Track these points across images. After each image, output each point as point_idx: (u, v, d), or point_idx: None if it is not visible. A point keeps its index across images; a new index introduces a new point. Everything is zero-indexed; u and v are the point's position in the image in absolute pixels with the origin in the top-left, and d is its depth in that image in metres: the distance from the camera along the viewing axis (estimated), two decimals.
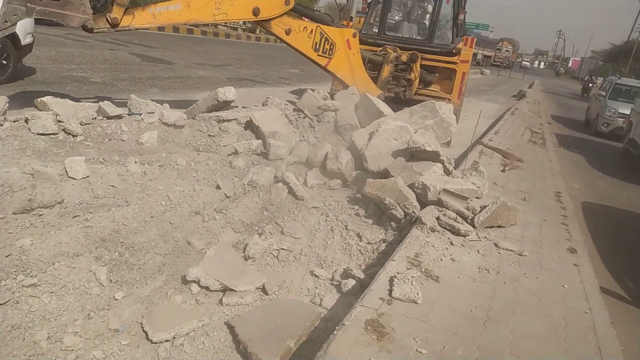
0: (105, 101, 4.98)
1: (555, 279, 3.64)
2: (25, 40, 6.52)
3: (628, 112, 12.31)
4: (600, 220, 6.23)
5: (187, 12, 5.22)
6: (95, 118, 4.80)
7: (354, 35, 7.02)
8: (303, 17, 6.82)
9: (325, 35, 6.61)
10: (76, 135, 4.47)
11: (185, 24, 5.33)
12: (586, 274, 3.85)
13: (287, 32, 6.23)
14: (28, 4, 4.11)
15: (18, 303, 2.79)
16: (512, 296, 3.25)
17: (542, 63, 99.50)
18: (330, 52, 6.75)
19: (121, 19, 4.81)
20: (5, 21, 4.06)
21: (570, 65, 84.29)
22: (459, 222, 4.08)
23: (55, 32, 12.10)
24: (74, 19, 4.48)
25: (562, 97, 29.44)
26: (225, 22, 6.01)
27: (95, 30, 4.75)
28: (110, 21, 4.75)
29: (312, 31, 6.50)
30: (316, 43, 6.56)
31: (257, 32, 27.23)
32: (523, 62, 72.53)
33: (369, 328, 2.60)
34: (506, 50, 55.78)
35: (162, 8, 5.08)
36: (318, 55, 6.66)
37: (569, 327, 2.99)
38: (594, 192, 7.78)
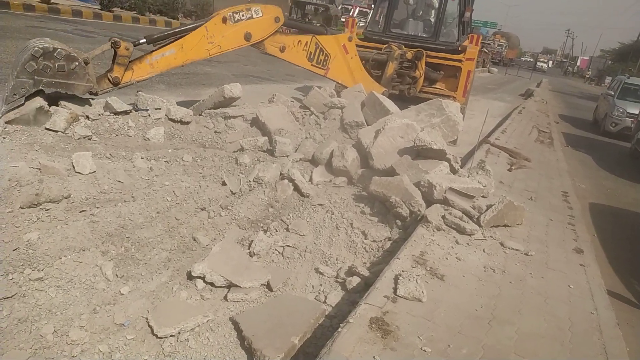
0: (113, 97, 5.00)
1: (561, 279, 3.62)
2: None
3: (636, 112, 12.23)
4: (607, 221, 6.19)
5: (182, 54, 5.31)
6: (102, 114, 4.82)
7: (350, 40, 7.01)
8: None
9: (320, 46, 6.58)
10: (87, 136, 4.51)
11: (182, 66, 5.39)
12: (592, 274, 3.83)
13: (282, 50, 6.21)
14: (35, 77, 4.22)
15: (25, 297, 2.81)
16: (518, 296, 3.24)
17: (551, 62, 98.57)
18: (325, 63, 6.73)
19: (122, 77, 4.95)
20: (14, 94, 4.17)
21: (578, 64, 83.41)
22: (464, 221, 4.07)
23: (63, 27, 12.16)
24: (79, 88, 4.60)
25: (570, 97, 29.24)
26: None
27: (100, 93, 4.87)
28: (112, 80, 4.90)
29: (306, 43, 6.47)
30: (311, 53, 6.53)
31: None
32: (539, 63, 67.63)
33: (373, 326, 2.60)
34: (499, 45, 51.78)
35: (158, 56, 5.20)
36: (313, 66, 6.66)
37: (575, 327, 2.97)
38: (601, 192, 7.73)
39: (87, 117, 4.66)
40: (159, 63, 5.20)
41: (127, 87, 5.18)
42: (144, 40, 5.14)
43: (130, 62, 5.01)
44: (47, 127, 4.30)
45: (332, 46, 6.76)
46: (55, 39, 4.46)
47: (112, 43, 4.75)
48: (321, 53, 6.64)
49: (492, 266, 3.57)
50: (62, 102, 4.58)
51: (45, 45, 4.20)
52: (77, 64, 4.45)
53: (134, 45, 4.93)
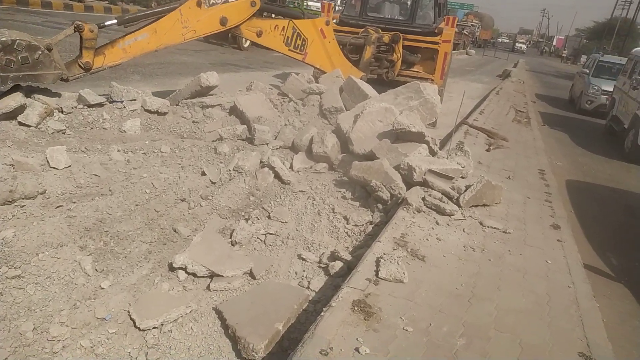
0: (86, 89, 4.90)
1: (539, 254, 3.70)
2: None
3: (611, 89, 12.43)
4: (584, 197, 6.32)
5: (156, 39, 5.17)
6: (75, 107, 4.72)
7: (327, 24, 6.97)
8: (272, 15, 6.76)
9: (297, 30, 6.52)
10: (61, 130, 4.41)
11: (157, 51, 5.24)
12: (569, 249, 3.92)
13: (259, 35, 6.14)
14: (1, 74, 4.06)
15: (2, 295, 2.76)
16: (497, 273, 3.30)
17: (528, 42, 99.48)
18: (302, 47, 6.69)
19: (93, 62, 4.80)
20: None
21: (554, 43, 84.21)
22: (444, 202, 4.11)
23: (33, 19, 11.82)
24: (49, 77, 4.45)
25: (546, 76, 29.58)
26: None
27: (71, 79, 4.72)
28: (83, 66, 4.74)
29: (283, 28, 6.41)
30: (288, 38, 6.48)
31: None
32: (518, 44, 69.52)
33: (356, 308, 2.63)
34: (472, 25, 50.00)
35: (130, 41, 5.04)
36: (291, 50, 6.60)
37: (553, 302, 3.05)
38: (577, 169, 7.88)
39: (61, 111, 4.56)
40: (131, 47, 5.06)
41: (100, 72, 5.02)
42: (114, 21, 4.98)
43: (102, 46, 4.86)
44: (20, 121, 4.20)
45: (310, 30, 6.71)
46: (24, 31, 4.32)
47: (75, 27, 4.56)
48: (298, 37, 6.59)
49: (472, 245, 3.63)
50: (35, 95, 4.46)
51: (2, 39, 4.01)
52: (40, 52, 4.27)
53: (100, 27, 4.74)
